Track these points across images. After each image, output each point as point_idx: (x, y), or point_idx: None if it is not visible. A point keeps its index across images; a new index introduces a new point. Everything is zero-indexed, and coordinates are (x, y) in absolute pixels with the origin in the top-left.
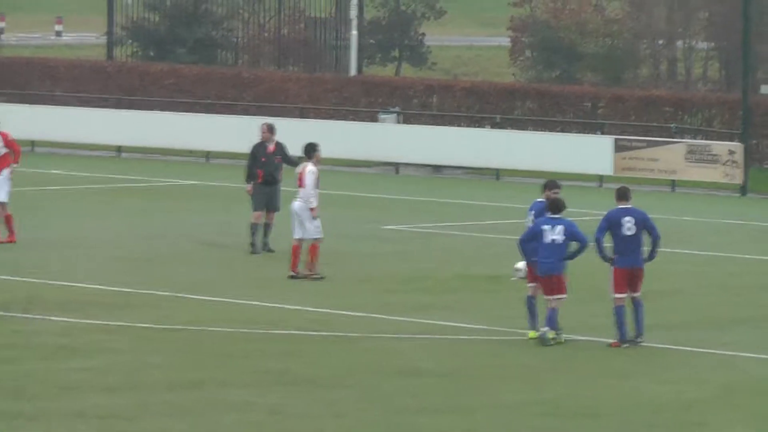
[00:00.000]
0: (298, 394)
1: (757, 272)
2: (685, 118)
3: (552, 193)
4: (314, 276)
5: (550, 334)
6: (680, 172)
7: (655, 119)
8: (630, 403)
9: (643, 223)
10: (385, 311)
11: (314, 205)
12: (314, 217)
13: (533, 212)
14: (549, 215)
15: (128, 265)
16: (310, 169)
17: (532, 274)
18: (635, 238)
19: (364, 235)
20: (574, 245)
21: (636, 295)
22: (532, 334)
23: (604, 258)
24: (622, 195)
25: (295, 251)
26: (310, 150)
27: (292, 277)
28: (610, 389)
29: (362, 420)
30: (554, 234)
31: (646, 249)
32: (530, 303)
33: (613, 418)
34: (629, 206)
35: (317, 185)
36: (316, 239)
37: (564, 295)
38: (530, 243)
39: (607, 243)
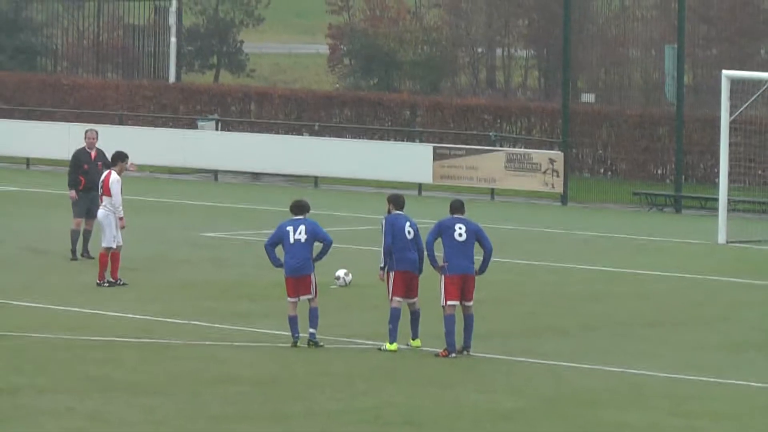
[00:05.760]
0: (118, 401)
1: (577, 281)
2: (504, 127)
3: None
4: (121, 283)
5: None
6: (500, 180)
7: (474, 127)
8: (451, 413)
9: (475, 234)
10: (206, 318)
11: (123, 214)
12: (123, 227)
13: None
14: (293, 217)
15: None
16: (115, 177)
17: (397, 286)
18: (466, 246)
19: (184, 242)
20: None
21: (469, 305)
22: (390, 346)
23: (434, 265)
24: (457, 207)
25: (103, 259)
26: (118, 158)
27: (99, 284)
28: (430, 398)
29: (181, 427)
30: (297, 234)
31: (478, 260)
32: (395, 314)
33: (434, 427)
34: (463, 217)
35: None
36: (118, 247)
37: (311, 295)
38: (275, 246)
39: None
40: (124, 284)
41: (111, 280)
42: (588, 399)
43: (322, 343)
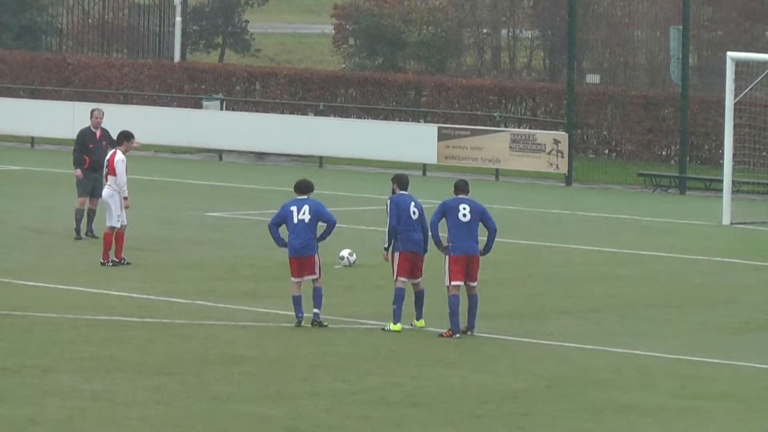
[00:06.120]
0: (123, 381)
1: (581, 262)
2: (509, 107)
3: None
4: (125, 263)
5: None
6: (504, 161)
7: (479, 108)
8: (455, 393)
9: (480, 214)
10: (210, 298)
11: (127, 194)
12: (127, 207)
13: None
14: (298, 197)
15: None
16: (120, 157)
17: (402, 266)
18: (471, 226)
19: (188, 222)
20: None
21: (473, 285)
22: (394, 326)
23: (439, 245)
24: (461, 187)
25: (107, 239)
26: (123, 137)
27: (103, 264)
28: (435, 379)
29: (186, 407)
30: (301, 214)
31: (482, 240)
32: (399, 294)
33: (440, 408)
34: (467, 197)
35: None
36: (122, 227)
37: (315, 275)
38: (279, 226)
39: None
40: (128, 264)
41: (115, 259)
42: (593, 380)
43: (326, 324)
